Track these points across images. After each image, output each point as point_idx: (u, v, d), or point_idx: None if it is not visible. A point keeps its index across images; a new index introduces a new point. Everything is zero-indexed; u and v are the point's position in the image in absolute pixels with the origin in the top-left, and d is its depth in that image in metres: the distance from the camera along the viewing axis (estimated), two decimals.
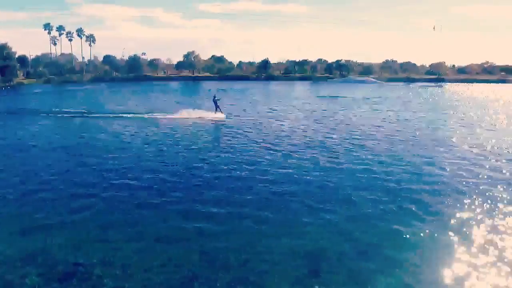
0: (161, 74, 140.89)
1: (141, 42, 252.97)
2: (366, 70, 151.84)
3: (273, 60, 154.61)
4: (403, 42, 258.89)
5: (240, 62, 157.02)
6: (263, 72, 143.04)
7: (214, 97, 36.14)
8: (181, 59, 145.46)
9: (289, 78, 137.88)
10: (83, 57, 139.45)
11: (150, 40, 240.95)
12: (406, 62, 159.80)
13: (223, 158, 19.61)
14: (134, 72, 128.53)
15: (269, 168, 17.62)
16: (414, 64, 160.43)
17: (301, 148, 22.31)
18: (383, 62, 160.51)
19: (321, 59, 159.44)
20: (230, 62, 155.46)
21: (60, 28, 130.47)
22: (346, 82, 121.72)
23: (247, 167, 17.85)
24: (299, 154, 20.57)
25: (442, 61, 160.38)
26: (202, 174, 16.68)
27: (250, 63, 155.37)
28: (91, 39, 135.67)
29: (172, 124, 31.49)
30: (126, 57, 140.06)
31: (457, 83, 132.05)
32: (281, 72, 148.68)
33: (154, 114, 37.04)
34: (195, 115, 35.39)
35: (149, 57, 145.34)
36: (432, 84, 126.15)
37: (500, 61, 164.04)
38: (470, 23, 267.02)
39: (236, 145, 22.90)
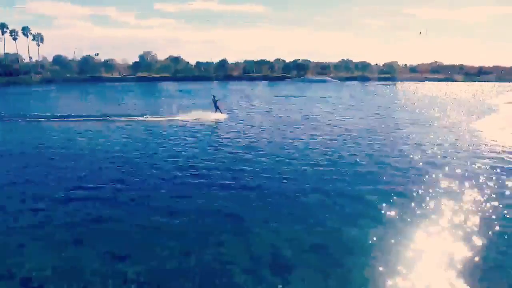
0: (116, 75, 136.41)
1: (94, 42, 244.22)
2: (323, 69, 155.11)
3: (231, 60, 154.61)
4: (358, 42, 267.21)
5: (197, 62, 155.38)
6: (221, 72, 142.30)
7: (214, 97, 35.50)
8: (137, 59, 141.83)
9: (248, 78, 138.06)
10: (30, 57, 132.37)
11: (103, 40, 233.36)
12: (361, 62, 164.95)
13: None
14: (86, 73, 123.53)
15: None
16: (369, 64, 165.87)
17: (262, 149, 21.93)
18: (339, 61, 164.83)
19: (279, 59, 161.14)
20: (188, 63, 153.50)
21: (2, 26, 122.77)
22: (303, 82, 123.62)
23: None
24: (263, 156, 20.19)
25: (394, 60, 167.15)
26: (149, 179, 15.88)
27: (208, 63, 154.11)
28: (38, 38, 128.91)
29: (174, 126, 30.65)
30: (78, 58, 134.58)
31: (409, 82, 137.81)
32: (240, 72, 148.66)
33: (154, 116, 35.54)
34: (194, 116, 34.18)
35: (103, 57, 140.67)
36: (386, 82, 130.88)
37: (447, 61, 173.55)
38: (420, 24, 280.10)
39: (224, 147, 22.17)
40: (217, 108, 34.96)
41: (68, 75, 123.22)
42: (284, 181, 15.76)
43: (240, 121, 33.43)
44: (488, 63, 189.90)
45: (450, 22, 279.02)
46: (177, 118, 34.32)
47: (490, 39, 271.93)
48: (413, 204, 13.15)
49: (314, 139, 25.13)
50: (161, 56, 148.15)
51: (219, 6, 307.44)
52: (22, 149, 22.23)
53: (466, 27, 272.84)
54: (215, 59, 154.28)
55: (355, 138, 25.47)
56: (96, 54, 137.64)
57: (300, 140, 24.66)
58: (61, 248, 10.11)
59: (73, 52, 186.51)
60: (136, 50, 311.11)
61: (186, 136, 26.25)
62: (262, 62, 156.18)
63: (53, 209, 12.77)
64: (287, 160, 19.22)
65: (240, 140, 24.74)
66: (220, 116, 34.26)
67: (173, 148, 22.18)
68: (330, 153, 20.94)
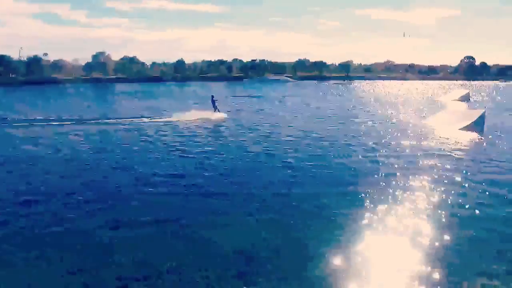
0: (68, 76, 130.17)
1: (42, 42, 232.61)
2: (281, 69, 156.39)
3: (188, 60, 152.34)
4: (314, 43, 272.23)
5: (153, 63, 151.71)
6: (178, 73, 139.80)
7: (212, 97, 35.97)
8: (90, 60, 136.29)
9: (205, 79, 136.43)
10: None
11: (53, 39, 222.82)
12: (318, 61, 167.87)
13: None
14: (34, 75, 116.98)
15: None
16: (325, 63, 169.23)
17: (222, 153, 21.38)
18: (296, 61, 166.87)
19: (236, 59, 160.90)
20: (143, 63, 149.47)
21: None
22: (261, 82, 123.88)
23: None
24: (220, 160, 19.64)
25: (350, 60, 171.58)
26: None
27: (165, 64, 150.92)
28: None
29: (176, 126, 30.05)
30: (24, 58, 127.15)
31: (364, 80, 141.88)
32: (197, 73, 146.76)
33: (154, 118, 34.65)
34: (193, 116, 34.01)
35: (52, 57, 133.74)
36: (342, 81, 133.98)
37: (399, 60, 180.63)
38: (373, 24, 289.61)
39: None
40: (215, 108, 35.34)
41: (13, 75, 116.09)
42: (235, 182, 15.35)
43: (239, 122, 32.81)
44: (436, 62, 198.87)
45: (401, 23, 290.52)
46: (179, 119, 33.58)
47: (437, 39, 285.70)
48: (368, 201, 13.08)
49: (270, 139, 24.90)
50: (116, 56, 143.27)
51: (174, 5, 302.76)
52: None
53: (416, 28, 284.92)
54: (172, 60, 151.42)
55: (312, 137, 25.50)
56: (45, 54, 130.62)
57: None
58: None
59: (19, 51, 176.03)
60: (88, 50, 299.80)
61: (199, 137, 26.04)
62: (220, 63, 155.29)
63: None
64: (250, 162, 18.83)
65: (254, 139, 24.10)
66: (220, 116, 34.64)
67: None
68: (288, 154, 20.75)
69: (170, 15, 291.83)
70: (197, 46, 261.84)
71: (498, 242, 10.38)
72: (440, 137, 26.11)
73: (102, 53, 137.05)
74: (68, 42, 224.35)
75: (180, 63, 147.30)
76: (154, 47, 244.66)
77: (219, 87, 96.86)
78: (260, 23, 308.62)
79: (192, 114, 34.55)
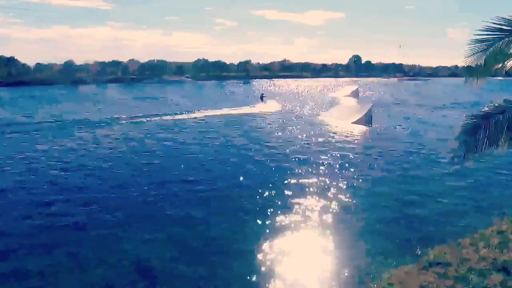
0: None
1: None
2: (180, 69, 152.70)
3: (78, 61, 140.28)
4: (213, 42, 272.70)
5: (37, 64, 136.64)
6: (68, 75, 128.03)
7: (262, 94, 50.36)
8: None
9: (100, 80, 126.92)
10: None
11: None
12: (217, 61, 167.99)
13: None
14: None
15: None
16: (224, 63, 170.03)
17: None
18: (195, 61, 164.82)
19: (133, 59, 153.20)
20: (24, 65, 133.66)
21: None
22: (160, 83, 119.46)
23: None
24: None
25: (248, 59, 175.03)
26: None
27: (51, 65, 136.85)
28: None
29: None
30: None
31: (263, 79, 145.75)
32: (90, 74, 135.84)
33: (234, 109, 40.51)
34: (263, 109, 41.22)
35: None
36: (242, 81, 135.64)
37: (295, 59, 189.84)
38: (268, 25, 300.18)
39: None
40: (263, 100, 46.46)
41: None
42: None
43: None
44: (328, 61, 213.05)
45: (295, 24, 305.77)
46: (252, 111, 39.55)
47: (327, 40, 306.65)
48: (269, 197, 12.91)
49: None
50: None
51: (59, 0, 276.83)
52: None
53: (308, 28, 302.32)
54: (59, 61, 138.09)
55: (214, 138, 24.78)
56: None
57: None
58: None
59: None
60: None
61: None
62: (115, 63, 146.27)
63: None
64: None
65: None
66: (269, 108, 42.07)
67: None
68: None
69: (54, 11, 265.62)
70: (89, 46, 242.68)
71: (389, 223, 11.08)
72: (336, 131, 27.27)
73: None
74: None
75: (69, 64, 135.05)
76: (36, 46, 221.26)
77: (117, 89, 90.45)
78: (156, 22, 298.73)
79: (260, 107, 42.75)
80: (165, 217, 11.92)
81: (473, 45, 7.84)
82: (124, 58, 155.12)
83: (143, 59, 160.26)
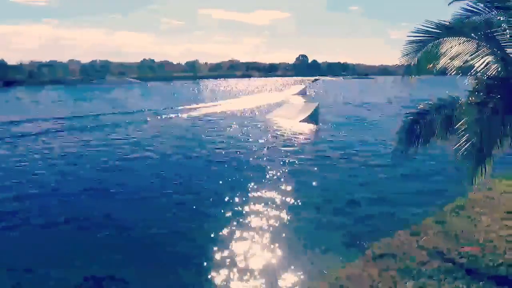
0: None
1: None
2: (124, 70, 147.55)
3: (11, 61, 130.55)
4: (159, 42, 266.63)
5: None
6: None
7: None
8: None
9: (36, 82, 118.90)
10: None
11: None
12: (163, 61, 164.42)
13: None
14: None
15: None
16: (171, 63, 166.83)
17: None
18: (141, 61, 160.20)
19: (74, 60, 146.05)
20: None
21: None
22: (104, 84, 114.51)
23: None
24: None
25: (196, 59, 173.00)
26: None
27: None
28: None
29: None
30: None
31: (211, 79, 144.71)
32: (25, 76, 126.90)
33: None
34: None
35: None
36: (189, 81, 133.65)
37: (243, 59, 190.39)
38: (215, 24, 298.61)
39: None
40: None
41: None
42: None
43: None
44: (275, 60, 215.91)
45: (242, 23, 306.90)
46: None
47: (274, 39, 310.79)
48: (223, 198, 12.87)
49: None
50: None
51: None
52: None
53: (255, 28, 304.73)
54: None
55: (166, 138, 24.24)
56: None
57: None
58: None
59: None
60: None
61: None
62: (54, 64, 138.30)
63: None
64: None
65: None
66: None
67: None
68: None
69: None
70: (23, 45, 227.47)
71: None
72: (284, 131, 27.67)
73: None
74: None
75: (0, 64, 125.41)
76: None
77: (58, 91, 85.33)
78: (98, 21, 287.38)
79: None
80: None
81: (407, 46, 8.32)
82: (64, 59, 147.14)
83: (85, 59, 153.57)
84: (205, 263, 9.17)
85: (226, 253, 9.65)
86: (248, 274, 8.76)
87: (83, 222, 11.62)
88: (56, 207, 13.01)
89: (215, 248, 9.76)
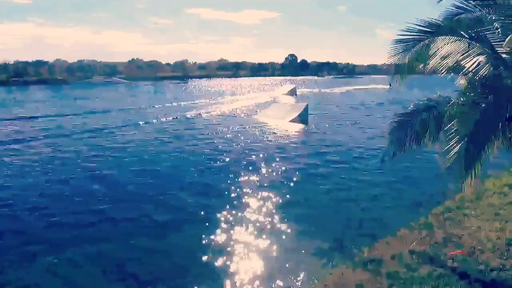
0: None
1: None
2: (112, 70, 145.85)
3: None
4: (146, 41, 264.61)
5: None
6: None
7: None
8: None
9: (21, 82, 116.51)
10: None
11: None
12: (152, 61, 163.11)
13: None
14: None
15: None
16: (160, 63, 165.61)
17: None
18: (129, 61, 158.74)
19: (60, 59, 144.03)
20: None
21: None
22: (91, 84, 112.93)
23: None
24: None
25: (185, 59, 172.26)
26: None
27: None
28: None
29: None
30: None
31: (200, 79, 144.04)
32: (8, 75, 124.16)
33: None
34: None
35: None
36: (178, 81, 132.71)
37: (232, 58, 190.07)
38: (203, 24, 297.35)
39: None
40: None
41: None
42: None
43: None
44: (265, 60, 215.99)
45: (231, 23, 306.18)
46: None
47: (263, 39, 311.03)
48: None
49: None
50: None
51: None
52: None
53: (244, 28, 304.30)
54: None
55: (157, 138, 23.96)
56: None
57: None
58: None
59: None
60: None
61: None
62: (39, 63, 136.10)
63: None
64: None
65: None
66: None
67: None
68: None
69: None
70: (6, 43, 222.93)
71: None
72: (275, 131, 27.51)
73: None
74: None
75: None
76: None
77: (43, 91, 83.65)
78: (84, 19, 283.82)
79: None
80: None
81: (397, 45, 8.03)
82: (50, 58, 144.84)
83: (72, 59, 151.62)
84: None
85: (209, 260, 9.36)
86: (236, 282, 8.50)
87: None
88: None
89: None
